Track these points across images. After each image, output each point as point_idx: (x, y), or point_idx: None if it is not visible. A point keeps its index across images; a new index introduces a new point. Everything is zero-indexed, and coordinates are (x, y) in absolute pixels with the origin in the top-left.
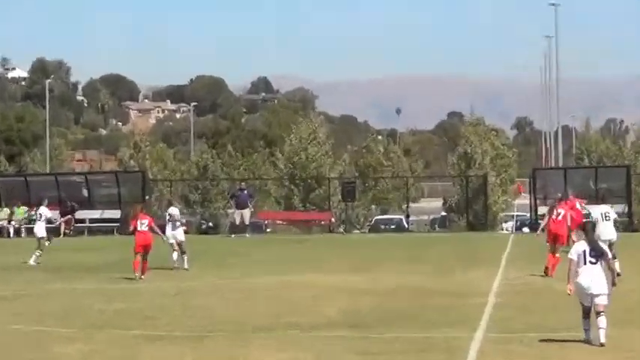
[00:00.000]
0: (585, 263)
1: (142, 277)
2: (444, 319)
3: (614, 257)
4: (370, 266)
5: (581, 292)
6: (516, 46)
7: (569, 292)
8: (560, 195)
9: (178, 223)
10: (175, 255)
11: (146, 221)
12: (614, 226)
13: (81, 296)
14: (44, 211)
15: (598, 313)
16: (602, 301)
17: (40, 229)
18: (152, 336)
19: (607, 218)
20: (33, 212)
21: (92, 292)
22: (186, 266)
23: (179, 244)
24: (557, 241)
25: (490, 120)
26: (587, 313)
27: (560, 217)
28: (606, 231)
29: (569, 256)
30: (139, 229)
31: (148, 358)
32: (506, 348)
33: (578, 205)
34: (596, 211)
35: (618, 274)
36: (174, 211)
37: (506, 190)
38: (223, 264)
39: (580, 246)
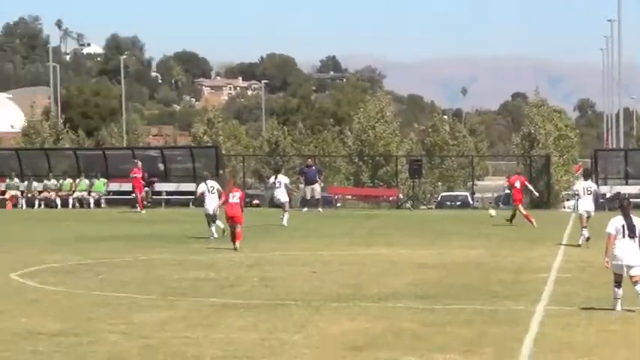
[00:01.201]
0: (624, 237)
1: (237, 246)
2: (507, 293)
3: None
4: (437, 241)
5: (616, 263)
6: (582, 28)
7: (606, 264)
8: None
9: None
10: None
11: (238, 194)
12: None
13: (159, 266)
14: (282, 178)
15: (636, 283)
16: (636, 272)
17: (281, 194)
18: (229, 304)
19: (589, 192)
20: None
21: (170, 262)
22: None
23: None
24: None
25: (553, 101)
26: (619, 282)
27: None
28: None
29: (608, 230)
30: (230, 201)
31: (226, 324)
32: (566, 321)
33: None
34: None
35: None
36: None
37: (568, 169)
38: (295, 237)
39: (618, 221)
